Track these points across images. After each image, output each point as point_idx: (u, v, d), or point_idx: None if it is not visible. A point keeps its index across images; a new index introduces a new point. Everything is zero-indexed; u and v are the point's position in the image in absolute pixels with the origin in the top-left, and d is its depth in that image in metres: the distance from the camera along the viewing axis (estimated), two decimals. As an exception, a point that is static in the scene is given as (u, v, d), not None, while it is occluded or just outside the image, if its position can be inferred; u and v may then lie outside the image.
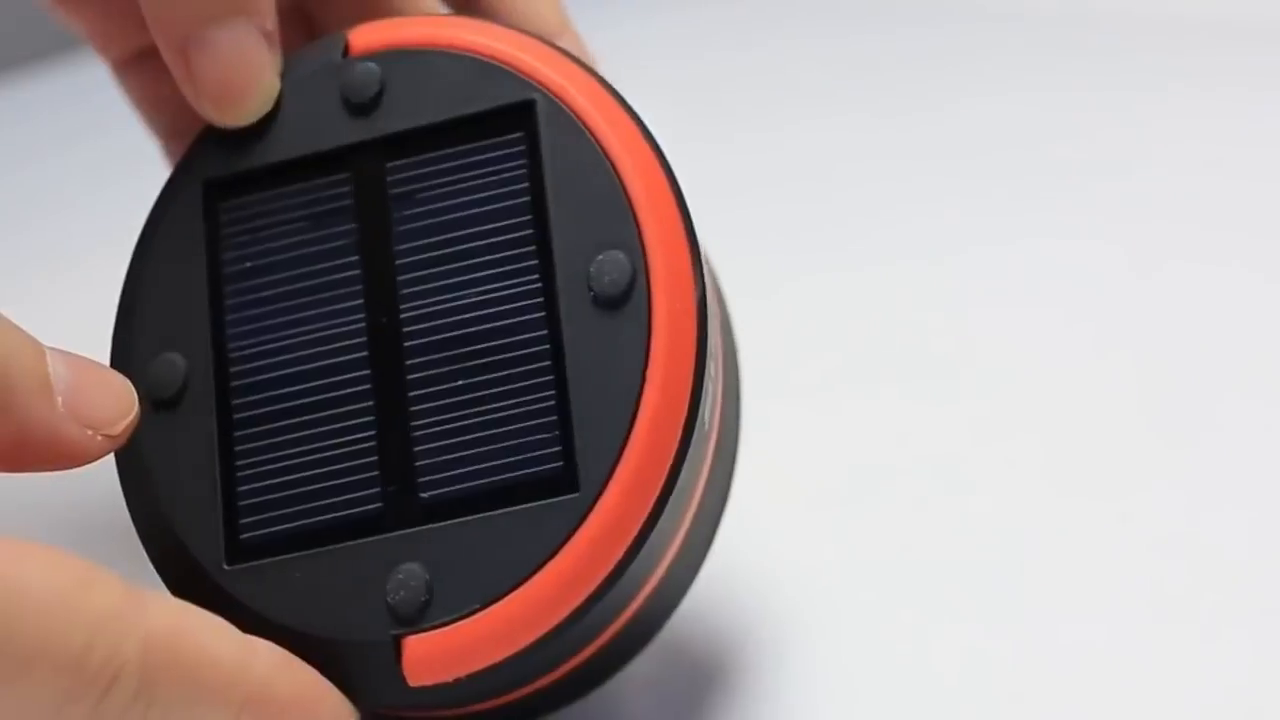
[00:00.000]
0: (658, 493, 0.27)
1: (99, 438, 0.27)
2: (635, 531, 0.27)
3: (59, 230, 0.63)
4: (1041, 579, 0.37)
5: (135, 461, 0.29)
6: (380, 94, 0.30)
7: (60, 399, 0.26)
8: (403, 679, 0.27)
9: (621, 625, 0.29)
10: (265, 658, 0.26)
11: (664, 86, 0.69)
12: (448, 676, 0.27)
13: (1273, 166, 0.54)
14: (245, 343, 0.30)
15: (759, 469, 0.36)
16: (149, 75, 0.39)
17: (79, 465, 0.27)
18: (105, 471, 0.30)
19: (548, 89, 0.29)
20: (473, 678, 0.27)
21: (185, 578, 0.29)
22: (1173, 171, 0.55)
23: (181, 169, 0.31)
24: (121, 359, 0.30)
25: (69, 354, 0.27)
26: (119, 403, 0.28)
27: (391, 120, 0.30)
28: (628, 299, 0.27)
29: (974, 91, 0.63)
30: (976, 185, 0.56)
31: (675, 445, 0.27)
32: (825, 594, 0.37)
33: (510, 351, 0.28)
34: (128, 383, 0.28)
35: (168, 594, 0.28)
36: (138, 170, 0.50)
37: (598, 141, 0.29)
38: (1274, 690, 0.32)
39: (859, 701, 0.33)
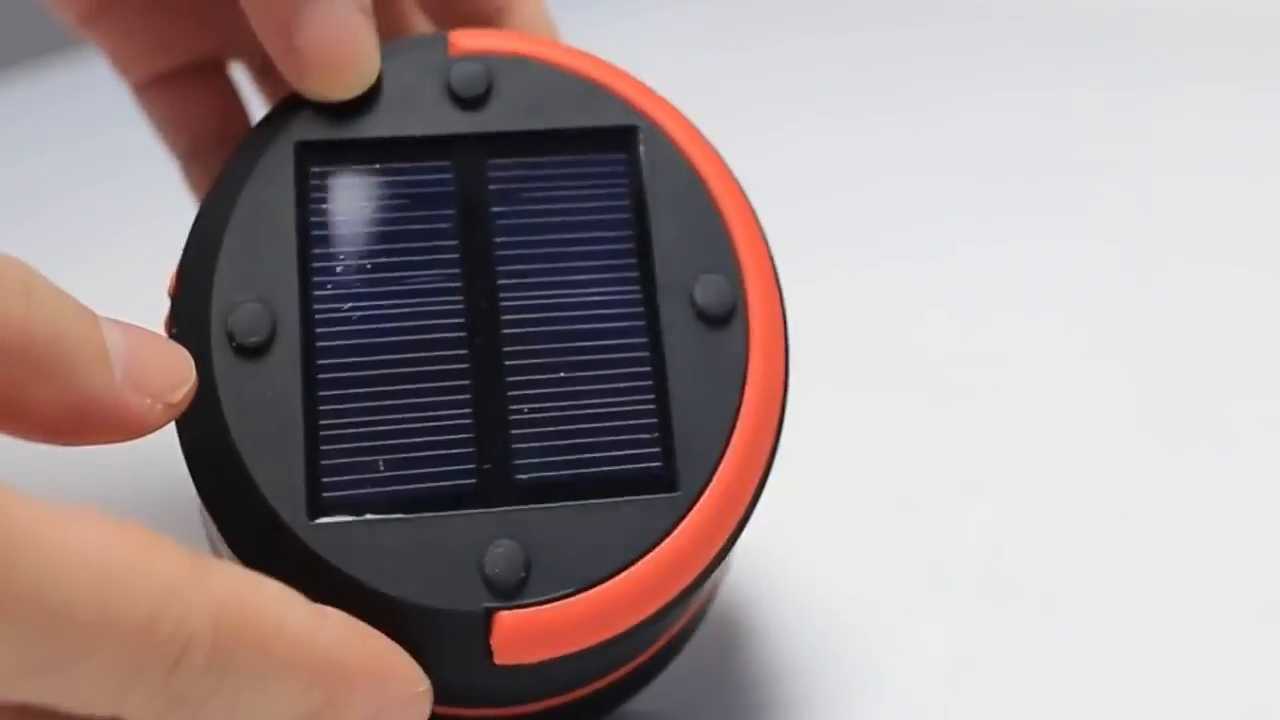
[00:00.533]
0: (749, 500, 0.29)
1: (159, 406, 0.26)
2: (728, 534, 0.29)
3: (58, 224, 0.63)
4: (1040, 577, 0.37)
5: (207, 411, 0.28)
6: (487, 93, 0.31)
7: (118, 367, 0.26)
8: (488, 655, 0.27)
9: (685, 622, 0.30)
10: (336, 626, 0.25)
11: (662, 85, 0.69)
12: (535, 657, 0.27)
13: (1271, 165, 0.54)
14: (333, 306, 0.29)
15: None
16: (173, 95, 0.40)
17: (138, 436, 0.26)
18: (155, 450, 0.29)
19: (647, 117, 0.31)
20: (552, 664, 0.27)
21: (262, 532, 0.28)
22: (1173, 170, 0.55)
23: (266, 126, 0.31)
24: (197, 305, 0.29)
25: (123, 323, 0.26)
26: (177, 370, 0.27)
27: (497, 119, 0.31)
28: (730, 320, 0.30)
29: (974, 91, 0.63)
30: (976, 185, 0.56)
31: (765, 459, 0.29)
32: (825, 592, 0.37)
33: (610, 353, 0.29)
34: (184, 350, 0.27)
35: (230, 563, 0.26)
36: (139, 165, 0.50)
37: (695, 171, 0.31)
38: (1273, 687, 0.32)
39: (858, 696, 0.33)
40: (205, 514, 0.29)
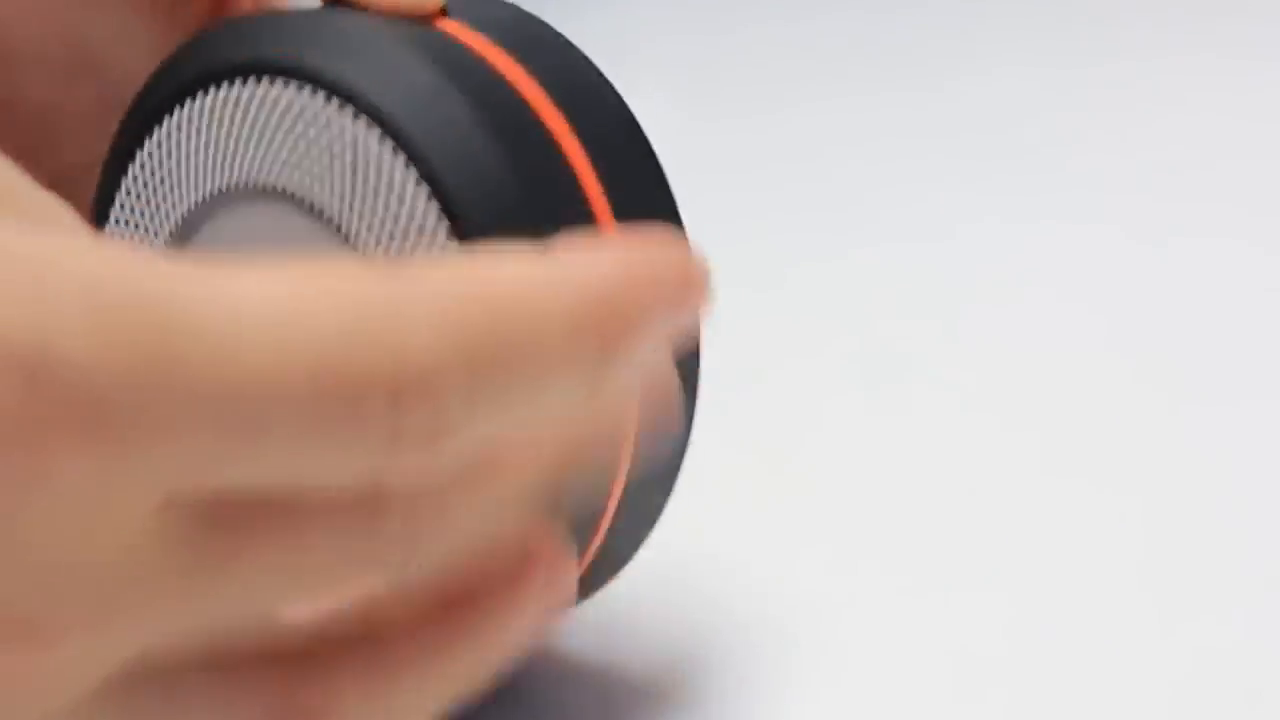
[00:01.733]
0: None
1: None
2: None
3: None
4: (1043, 563, 0.36)
5: None
6: None
7: None
8: None
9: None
10: (572, 257, 0.21)
11: (658, 66, 0.69)
12: None
13: (1272, 141, 0.54)
14: None
15: (760, 451, 0.35)
16: None
17: None
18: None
19: None
20: None
21: None
22: (1175, 148, 0.55)
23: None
24: None
25: None
26: None
27: None
28: None
29: (971, 71, 0.63)
30: (975, 166, 0.56)
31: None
32: (822, 578, 0.37)
33: None
34: None
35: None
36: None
37: None
38: (1272, 669, 0.32)
39: (849, 687, 0.33)
40: None
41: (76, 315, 0.17)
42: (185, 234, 0.31)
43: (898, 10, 0.70)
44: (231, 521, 0.19)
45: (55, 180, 0.39)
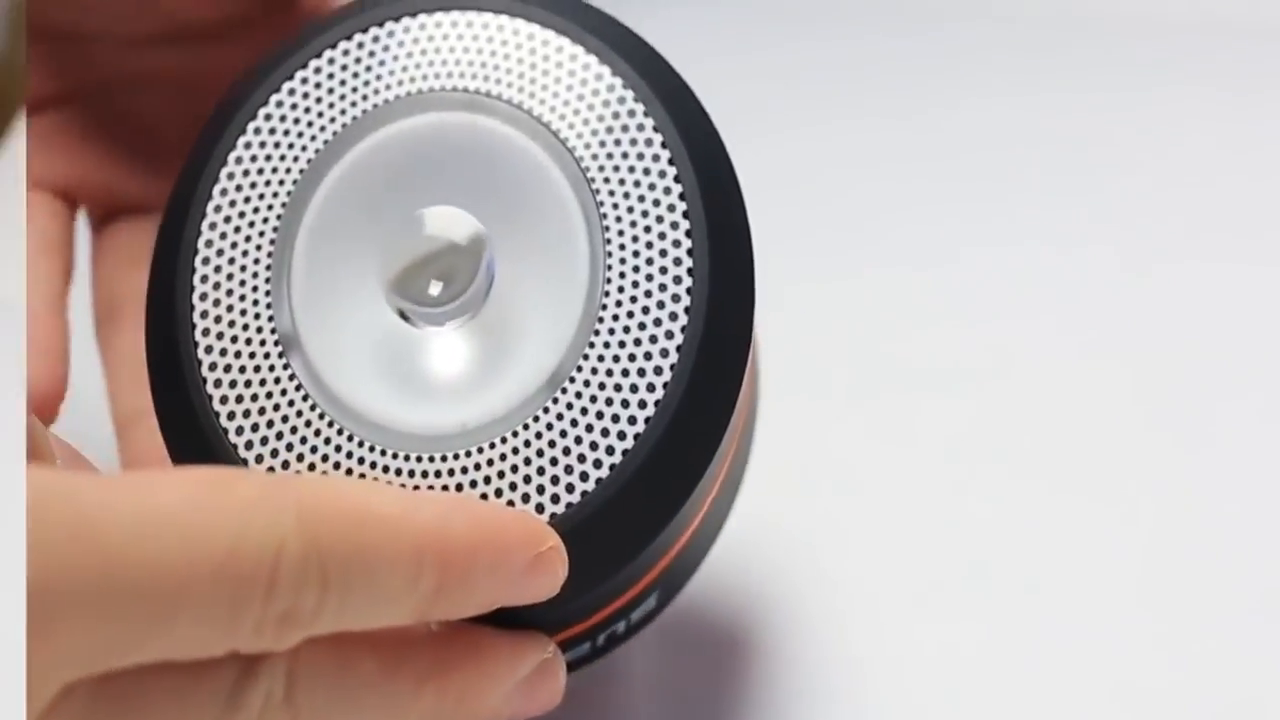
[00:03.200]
0: None
1: None
2: None
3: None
4: (1042, 580, 0.37)
5: None
6: None
7: None
8: None
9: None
10: (432, 502, 0.24)
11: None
12: None
13: (1265, 167, 0.54)
14: None
15: (762, 471, 0.35)
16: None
17: None
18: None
19: None
20: None
21: None
22: (1169, 173, 0.55)
23: None
24: None
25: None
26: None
27: None
28: None
29: (974, 96, 0.63)
30: (974, 189, 0.56)
31: None
32: (825, 592, 0.37)
33: None
34: None
35: (308, 474, 0.26)
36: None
37: None
38: (1272, 682, 0.32)
39: (856, 695, 0.33)
40: None
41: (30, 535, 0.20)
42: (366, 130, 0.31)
43: (900, 36, 0.70)
44: (117, 695, 0.22)
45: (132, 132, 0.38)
